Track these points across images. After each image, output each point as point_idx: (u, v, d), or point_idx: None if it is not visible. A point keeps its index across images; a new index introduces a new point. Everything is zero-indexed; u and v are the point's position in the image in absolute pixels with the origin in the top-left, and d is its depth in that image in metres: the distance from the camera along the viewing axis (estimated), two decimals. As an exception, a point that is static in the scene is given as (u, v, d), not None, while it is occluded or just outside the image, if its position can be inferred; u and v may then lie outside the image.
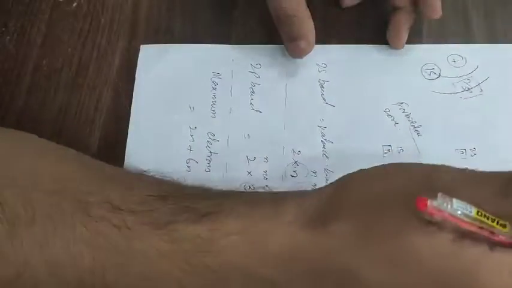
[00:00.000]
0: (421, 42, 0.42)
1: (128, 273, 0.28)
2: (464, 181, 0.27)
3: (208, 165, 0.38)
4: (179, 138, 0.39)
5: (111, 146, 0.39)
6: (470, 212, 0.24)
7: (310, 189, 0.37)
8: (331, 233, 0.27)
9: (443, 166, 0.28)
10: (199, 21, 0.44)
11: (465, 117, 0.39)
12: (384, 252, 0.26)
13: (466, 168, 0.28)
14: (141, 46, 0.43)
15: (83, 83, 0.42)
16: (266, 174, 0.38)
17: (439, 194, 0.24)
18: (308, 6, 0.40)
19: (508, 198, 0.26)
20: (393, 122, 0.39)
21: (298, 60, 0.41)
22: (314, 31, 0.40)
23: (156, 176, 0.34)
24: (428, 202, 0.24)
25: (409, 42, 0.42)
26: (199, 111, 0.40)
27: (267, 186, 0.37)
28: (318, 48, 0.41)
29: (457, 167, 0.28)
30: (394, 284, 0.25)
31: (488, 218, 0.24)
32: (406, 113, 0.40)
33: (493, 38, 0.42)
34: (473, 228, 0.24)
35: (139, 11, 0.45)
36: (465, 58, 0.41)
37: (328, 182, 0.37)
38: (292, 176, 0.38)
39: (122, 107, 0.40)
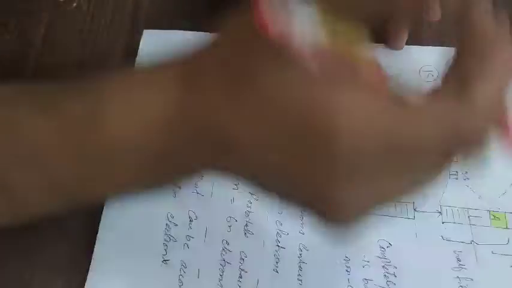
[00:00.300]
0: (420, 44, 0.42)
1: (17, 156, 0.28)
2: None
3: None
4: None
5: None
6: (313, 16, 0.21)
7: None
8: (204, 91, 0.25)
9: None
10: (201, 16, 0.45)
11: (459, 121, 0.39)
12: (246, 106, 0.24)
13: None
14: (144, 31, 0.43)
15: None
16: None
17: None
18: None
19: None
20: (387, 122, 0.39)
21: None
22: None
23: None
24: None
25: (408, 43, 0.42)
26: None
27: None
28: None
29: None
30: (260, 137, 0.24)
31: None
32: (401, 114, 0.40)
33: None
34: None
35: (139, 11, 0.45)
36: (464, 62, 0.41)
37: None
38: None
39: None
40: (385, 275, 0.34)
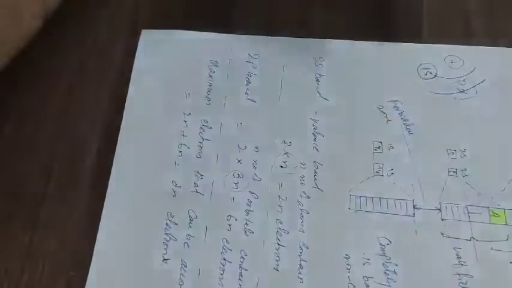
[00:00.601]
0: (419, 42, 0.42)
1: None
2: None
3: (199, 151, 0.39)
4: (173, 123, 0.40)
5: (110, 129, 0.40)
6: None
7: (299, 181, 0.37)
8: None
9: None
10: (200, 13, 0.44)
11: (458, 118, 0.39)
12: None
13: None
14: (142, 31, 0.43)
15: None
16: (256, 163, 0.38)
17: None
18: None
19: None
20: (386, 119, 0.39)
21: (296, 53, 0.42)
22: None
23: None
24: None
25: (407, 40, 0.42)
26: (195, 98, 0.41)
27: (255, 175, 0.38)
28: (316, 42, 0.42)
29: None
30: None
31: None
32: (400, 111, 0.40)
33: (493, 38, 0.42)
34: None
35: (139, 10, 0.45)
36: (462, 60, 0.41)
37: (317, 175, 0.38)
38: (282, 167, 0.38)
39: (119, 88, 0.41)
40: (385, 272, 0.35)
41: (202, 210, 0.37)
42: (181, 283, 0.35)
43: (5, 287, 0.35)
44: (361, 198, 0.37)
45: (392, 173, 0.38)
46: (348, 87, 0.41)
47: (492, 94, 0.40)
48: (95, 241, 0.36)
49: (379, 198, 0.37)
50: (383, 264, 0.35)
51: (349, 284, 0.34)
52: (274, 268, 0.35)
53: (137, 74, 0.42)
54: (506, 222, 0.36)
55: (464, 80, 0.41)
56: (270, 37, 0.43)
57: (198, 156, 0.39)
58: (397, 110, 0.40)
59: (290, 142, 0.39)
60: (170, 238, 0.36)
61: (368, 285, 0.34)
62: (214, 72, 0.42)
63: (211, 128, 0.40)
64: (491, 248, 0.35)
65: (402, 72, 0.41)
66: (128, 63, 0.42)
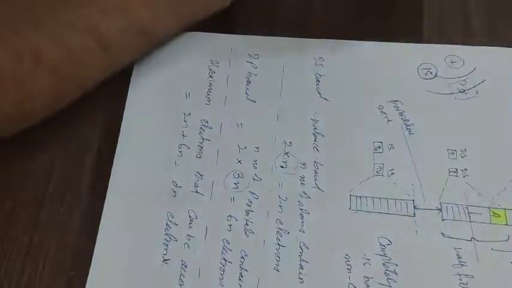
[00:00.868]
0: (419, 42, 0.42)
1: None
2: None
3: (199, 151, 0.39)
4: (173, 123, 0.40)
5: (110, 129, 0.40)
6: None
7: (299, 182, 0.37)
8: None
9: None
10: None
11: (458, 118, 0.39)
12: None
13: None
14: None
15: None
16: (256, 164, 0.38)
17: None
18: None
19: None
20: (386, 119, 0.39)
21: (296, 53, 0.42)
22: None
23: None
24: None
25: (407, 40, 0.42)
26: (195, 98, 0.41)
27: (256, 175, 0.38)
28: (316, 42, 0.42)
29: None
30: None
31: None
32: (400, 111, 0.40)
33: (493, 38, 0.42)
34: None
35: None
36: (463, 60, 0.41)
37: (317, 175, 0.38)
38: (282, 167, 0.38)
39: (119, 88, 0.41)
40: (385, 273, 0.34)
41: (202, 211, 0.37)
42: (182, 283, 0.35)
43: (5, 287, 0.35)
44: (362, 198, 0.37)
45: (393, 173, 0.37)
46: (348, 87, 0.41)
47: (492, 94, 0.40)
48: (95, 241, 0.36)
49: (380, 198, 0.37)
50: (383, 264, 0.35)
51: (350, 285, 0.34)
52: (274, 268, 0.35)
53: (137, 74, 0.41)
54: (506, 222, 0.36)
55: (464, 80, 0.41)
56: (270, 37, 0.43)
57: (198, 156, 0.39)
58: (397, 110, 0.40)
59: (290, 142, 0.39)
60: (170, 238, 0.36)
61: (368, 286, 0.34)
62: (214, 72, 0.42)
63: (211, 128, 0.40)
64: (492, 248, 0.35)
65: (402, 72, 0.41)
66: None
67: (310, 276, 0.35)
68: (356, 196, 0.37)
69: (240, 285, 0.34)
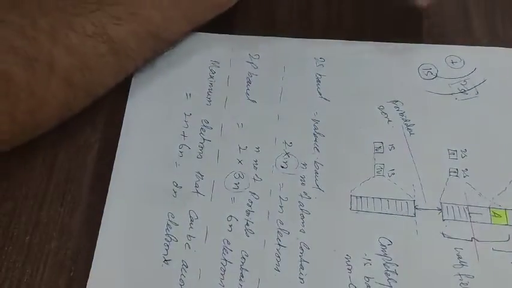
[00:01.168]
0: (420, 42, 0.42)
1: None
2: None
3: (200, 151, 0.39)
4: (173, 124, 0.40)
5: (110, 129, 0.40)
6: None
7: (299, 182, 0.37)
8: None
9: None
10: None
11: (459, 118, 0.39)
12: None
13: None
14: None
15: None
16: (256, 164, 0.38)
17: None
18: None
19: None
20: (386, 120, 0.39)
21: (297, 54, 0.42)
22: None
23: None
24: None
25: (408, 41, 0.42)
26: (195, 99, 0.41)
27: (256, 175, 0.38)
28: (317, 42, 0.42)
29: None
30: None
31: None
32: (400, 111, 0.40)
33: (493, 38, 0.42)
34: None
35: None
36: (463, 60, 0.41)
37: (318, 175, 0.38)
38: (282, 167, 0.38)
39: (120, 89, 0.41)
40: (386, 273, 0.35)
41: (203, 211, 0.37)
42: (182, 284, 0.35)
43: (5, 287, 0.35)
44: (362, 198, 0.37)
45: (393, 174, 0.38)
46: (349, 88, 0.41)
47: (493, 94, 0.40)
48: (96, 241, 0.36)
49: (380, 198, 0.37)
50: (384, 264, 0.35)
51: (350, 285, 0.34)
52: (275, 269, 0.35)
53: (138, 74, 0.41)
54: (507, 222, 0.36)
55: (465, 81, 0.41)
56: (270, 37, 0.43)
57: (199, 156, 0.39)
58: (397, 110, 0.40)
59: (291, 142, 0.39)
60: (171, 239, 0.36)
61: (369, 286, 0.34)
62: (215, 72, 0.42)
63: (212, 128, 0.40)
64: (492, 249, 0.35)
65: (403, 72, 0.41)
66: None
67: (311, 277, 0.35)
68: (357, 196, 0.37)
69: (241, 285, 0.34)
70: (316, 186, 0.37)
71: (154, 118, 0.40)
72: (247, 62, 0.42)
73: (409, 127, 0.39)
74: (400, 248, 0.35)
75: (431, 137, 0.39)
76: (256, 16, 0.44)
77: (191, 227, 0.36)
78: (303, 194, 0.37)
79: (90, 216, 0.37)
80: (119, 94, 0.41)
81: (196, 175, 0.38)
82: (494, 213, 0.36)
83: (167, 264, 0.35)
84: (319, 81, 0.41)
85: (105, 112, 0.41)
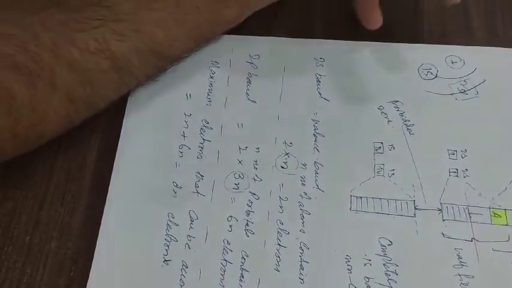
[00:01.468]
0: (420, 42, 0.42)
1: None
2: None
3: (200, 152, 0.39)
4: (173, 124, 0.40)
5: (110, 129, 0.40)
6: None
7: (299, 182, 0.37)
8: None
9: None
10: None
11: (459, 118, 0.39)
12: None
13: None
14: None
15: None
16: (256, 164, 0.38)
17: None
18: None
19: None
20: (386, 120, 0.39)
21: (297, 54, 0.42)
22: None
23: None
24: None
25: (408, 41, 0.42)
26: (195, 99, 0.41)
27: (256, 175, 0.38)
28: (317, 42, 0.42)
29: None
30: None
31: None
32: (400, 112, 0.40)
33: (493, 38, 0.42)
34: None
35: None
36: (463, 60, 0.41)
37: (318, 175, 0.38)
38: (282, 167, 0.38)
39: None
40: (386, 273, 0.35)
41: (203, 211, 0.37)
42: (182, 284, 0.35)
43: (5, 287, 0.35)
44: (362, 198, 0.37)
45: (393, 174, 0.38)
46: (349, 88, 0.41)
47: (493, 94, 0.40)
48: (95, 241, 0.36)
49: (380, 198, 0.37)
50: (384, 264, 0.35)
51: (350, 285, 0.34)
52: (275, 269, 0.35)
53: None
54: (507, 222, 0.36)
55: (465, 81, 0.41)
56: (270, 37, 0.43)
57: (199, 156, 0.39)
58: (397, 110, 0.40)
59: (291, 143, 0.39)
60: (171, 239, 0.36)
61: (369, 286, 0.34)
62: (215, 72, 0.42)
63: (212, 128, 0.40)
64: (492, 249, 0.35)
65: (403, 72, 0.41)
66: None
67: (311, 277, 0.35)
68: (357, 197, 0.37)
69: (241, 286, 0.34)
70: (316, 186, 0.37)
71: (154, 118, 0.40)
72: (247, 62, 0.42)
73: (409, 127, 0.39)
74: (400, 248, 0.35)
75: (431, 137, 0.39)
76: (255, 16, 0.43)
77: (191, 227, 0.36)
78: (303, 194, 0.37)
79: (90, 216, 0.37)
80: (118, 94, 0.41)
81: (196, 175, 0.38)
82: (494, 213, 0.36)
83: (167, 264, 0.35)
84: (319, 81, 0.41)
85: (105, 111, 0.40)
